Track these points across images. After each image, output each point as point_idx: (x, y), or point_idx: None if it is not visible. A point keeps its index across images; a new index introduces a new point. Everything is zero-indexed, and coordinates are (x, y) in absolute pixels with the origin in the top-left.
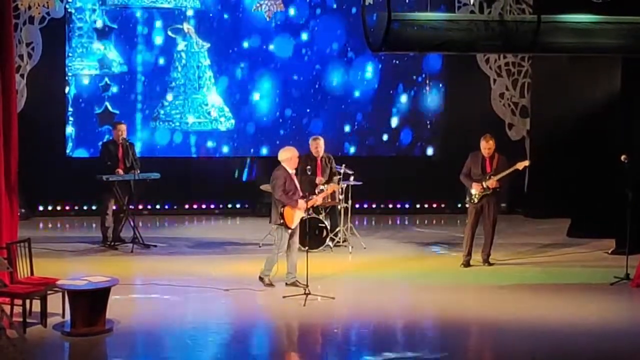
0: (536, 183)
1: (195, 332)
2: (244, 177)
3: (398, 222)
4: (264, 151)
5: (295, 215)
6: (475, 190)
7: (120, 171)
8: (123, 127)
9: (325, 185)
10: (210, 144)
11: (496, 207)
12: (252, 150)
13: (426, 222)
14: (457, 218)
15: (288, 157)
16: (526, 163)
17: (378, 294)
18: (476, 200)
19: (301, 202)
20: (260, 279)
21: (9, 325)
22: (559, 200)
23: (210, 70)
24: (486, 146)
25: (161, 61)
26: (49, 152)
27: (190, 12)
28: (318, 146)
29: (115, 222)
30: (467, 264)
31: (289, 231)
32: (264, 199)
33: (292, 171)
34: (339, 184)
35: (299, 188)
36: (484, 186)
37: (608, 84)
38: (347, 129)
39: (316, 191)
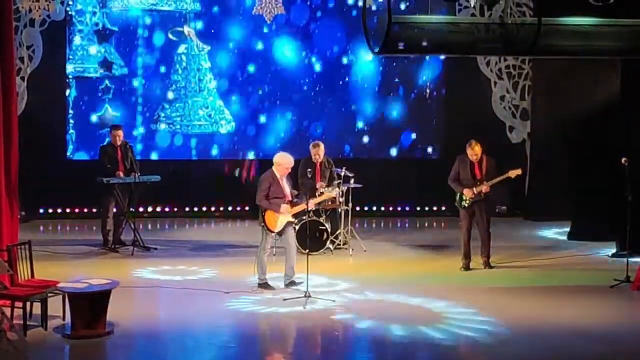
0: (536, 186)
1: (196, 335)
2: (244, 176)
3: (399, 224)
4: (264, 154)
5: (278, 220)
6: (466, 195)
7: (121, 173)
8: (120, 133)
9: (326, 189)
10: (210, 146)
11: (488, 209)
12: (252, 152)
13: (427, 224)
14: (458, 220)
15: (279, 162)
16: (518, 172)
17: (378, 296)
18: (467, 205)
19: (284, 207)
20: (260, 286)
21: (9, 328)
22: (559, 203)
23: (211, 73)
24: (472, 153)
25: (161, 64)
26: (50, 155)
27: (190, 15)
28: (318, 153)
29: (115, 224)
30: (467, 267)
31: (272, 234)
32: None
33: (279, 176)
34: (339, 187)
35: (287, 194)
36: (475, 192)
37: (608, 86)
38: (347, 131)
39: (317, 194)
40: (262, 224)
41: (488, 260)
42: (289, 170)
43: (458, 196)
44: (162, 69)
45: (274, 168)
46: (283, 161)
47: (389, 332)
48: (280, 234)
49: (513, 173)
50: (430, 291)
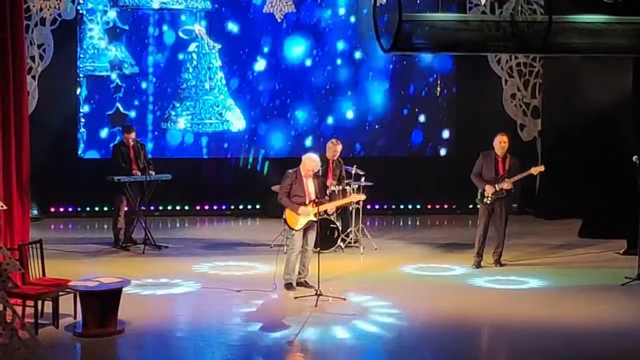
0: (547, 183)
1: (207, 333)
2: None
3: (409, 223)
4: (275, 152)
5: (299, 218)
6: (488, 192)
7: (139, 172)
8: (132, 136)
9: (338, 187)
10: (221, 145)
11: (508, 208)
12: (263, 151)
13: (437, 223)
14: (469, 219)
15: (303, 162)
16: (541, 169)
17: (389, 295)
18: (488, 202)
19: (302, 209)
20: (285, 286)
21: (20, 327)
22: (570, 201)
23: (222, 71)
24: (501, 139)
25: (172, 62)
26: (61, 154)
27: (201, 14)
28: (336, 151)
29: (126, 223)
30: (478, 264)
31: (293, 232)
32: (275, 200)
33: (304, 174)
34: (350, 185)
35: (309, 193)
36: (497, 189)
37: (619, 84)
38: (358, 129)
39: (327, 191)
40: (283, 221)
41: (500, 258)
42: (311, 174)
43: (479, 192)
44: (173, 68)
45: (300, 166)
46: (306, 162)
47: (401, 331)
48: (305, 230)
49: (535, 170)
50: (441, 289)
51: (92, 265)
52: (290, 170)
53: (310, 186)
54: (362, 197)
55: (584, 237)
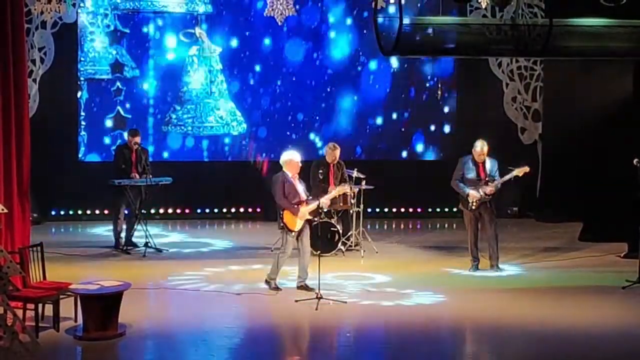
0: (548, 187)
1: (208, 336)
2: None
3: (410, 226)
4: (276, 155)
5: (297, 220)
6: (472, 198)
7: (137, 175)
8: (137, 139)
9: (337, 188)
10: (222, 148)
11: (494, 210)
12: (263, 154)
13: (438, 226)
14: None
15: (287, 160)
16: (526, 169)
17: (390, 298)
18: (474, 207)
19: (302, 212)
20: (266, 282)
21: (21, 330)
22: (570, 204)
23: (222, 75)
24: (480, 153)
25: (173, 65)
26: (61, 157)
27: (202, 17)
28: (335, 155)
29: (127, 226)
30: (476, 267)
31: (293, 234)
32: (276, 203)
33: (291, 175)
34: (350, 189)
35: (300, 193)
36: (481, 193)
37: (620, 87)
38: (359, 133)
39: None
40: (282, 224)
41: (497, 262)
42: (300, 165)
43: (462, 197)
44: (174, 71)
45: (284, 169)
46: (293, 157)
47: (400, 335)
48: (298, 233)
49: (520, 171)
50: (442, 292)
51: (92, 269)
52: (275, 175)
53: (299, 186)
54: (346, 189)
55: (585, 240)
